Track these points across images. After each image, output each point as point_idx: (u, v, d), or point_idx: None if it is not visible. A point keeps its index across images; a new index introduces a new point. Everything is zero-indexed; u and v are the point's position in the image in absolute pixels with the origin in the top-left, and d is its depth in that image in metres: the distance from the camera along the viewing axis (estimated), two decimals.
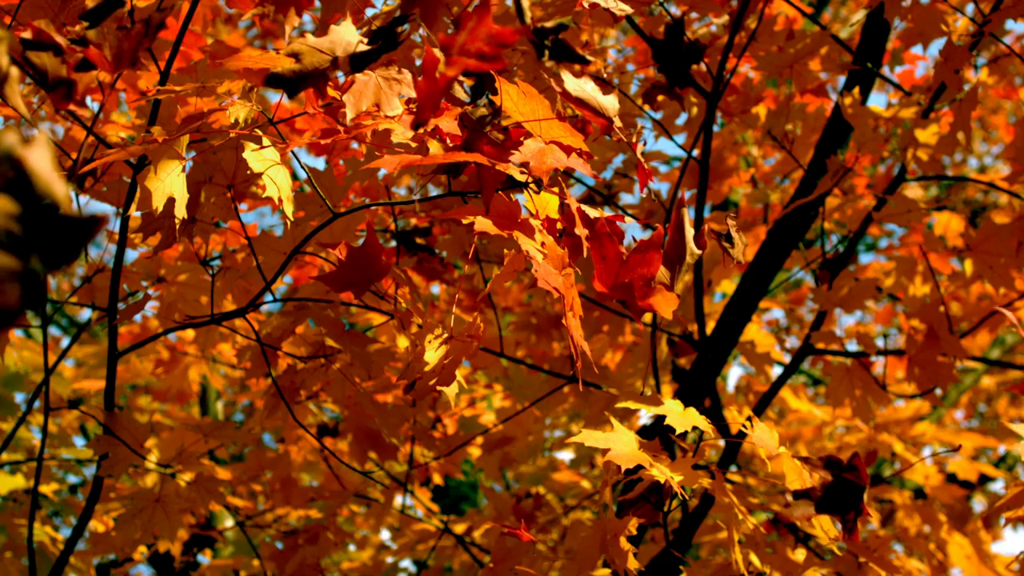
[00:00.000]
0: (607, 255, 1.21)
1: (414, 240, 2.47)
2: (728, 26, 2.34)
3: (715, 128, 3.03)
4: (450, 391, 1.26)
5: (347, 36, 1.14)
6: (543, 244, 1.14)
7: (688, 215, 1.26)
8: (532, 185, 1.21)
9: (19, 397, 3.73)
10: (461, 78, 1.45)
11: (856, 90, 2.34)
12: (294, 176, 3.73)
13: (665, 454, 1.28)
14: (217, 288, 2.10)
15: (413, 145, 1.21)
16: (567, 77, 1.19)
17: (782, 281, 2.71)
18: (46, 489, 3.10)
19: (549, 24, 1.11)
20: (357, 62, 1.14)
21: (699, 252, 1.24)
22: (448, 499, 6.12)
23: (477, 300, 2.62)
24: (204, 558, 3.62)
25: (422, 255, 2.48)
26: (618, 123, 1.25)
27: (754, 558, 1.57)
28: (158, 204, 1.30)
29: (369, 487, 3.22)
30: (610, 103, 1.25)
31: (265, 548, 2.70)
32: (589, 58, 1.15)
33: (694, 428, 1.24)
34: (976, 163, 6.97)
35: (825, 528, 1.30)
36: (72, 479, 5.34)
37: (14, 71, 0.94)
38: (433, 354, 1.22)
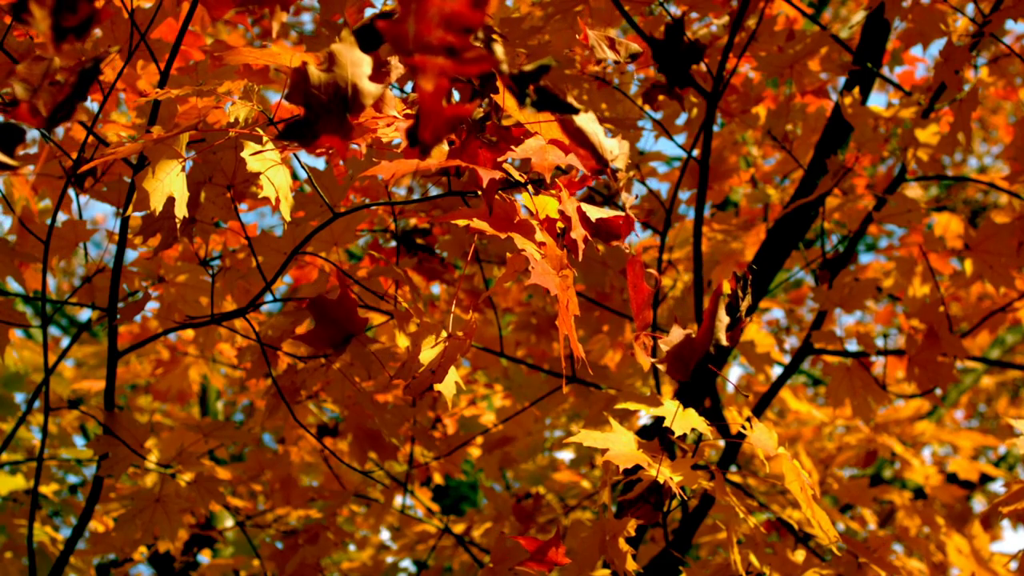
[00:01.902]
0: (638, 284, 1.18)
1: (414, 240, 2.47)
2: (728, 26, 2.34)
3: (715, 128, 3.03)
4: (447, 391, 1.26)
5: (353, 70, 1.00)
6: (542, 244, 1.14)
7: (724, 306, 1.18)
8: (530, 186, 1.21)
9: (19, 397, 3.73)
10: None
11: (856, 90, 2.34)
12: (294, 176, 3.73)
13: (665, 454, 1.27)
14: (217, 288, 2.10)
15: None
16: (571, 104, 1.09)
17: (782, 281, 2.71)
18: (46, 489, 3.10)
19: (528, 68, 0.98)
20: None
21: (728, 345, 1.17)
22: (448, 499, 6.12)
23: (479, 301, 2.62)
24: (204, 558, 3.62)
25: (422, 255, 2.48)
26: (620, 165, 1.15)
27: (753, 559, 1.57)
28: (156, 205, 1.30)
29: (369, 487, 3.22)
30: (612, 146, 1.15)
31: (265, 548, 2.70)
32: (578, 106, 1.04)
33: (693, 429, 1.24)
34: (976, 163, 6.97)
35: (825, 528, 1.30)
36: (72, 479, 5.34)
37: None
38: (428, 352, 1.22)
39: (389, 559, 3.80)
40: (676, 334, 1.22)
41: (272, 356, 2.13)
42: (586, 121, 1.12)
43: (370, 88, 1.00)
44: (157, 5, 1.71)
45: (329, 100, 0.98)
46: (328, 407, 2.87)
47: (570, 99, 1.07)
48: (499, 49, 0.93)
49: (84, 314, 6.20)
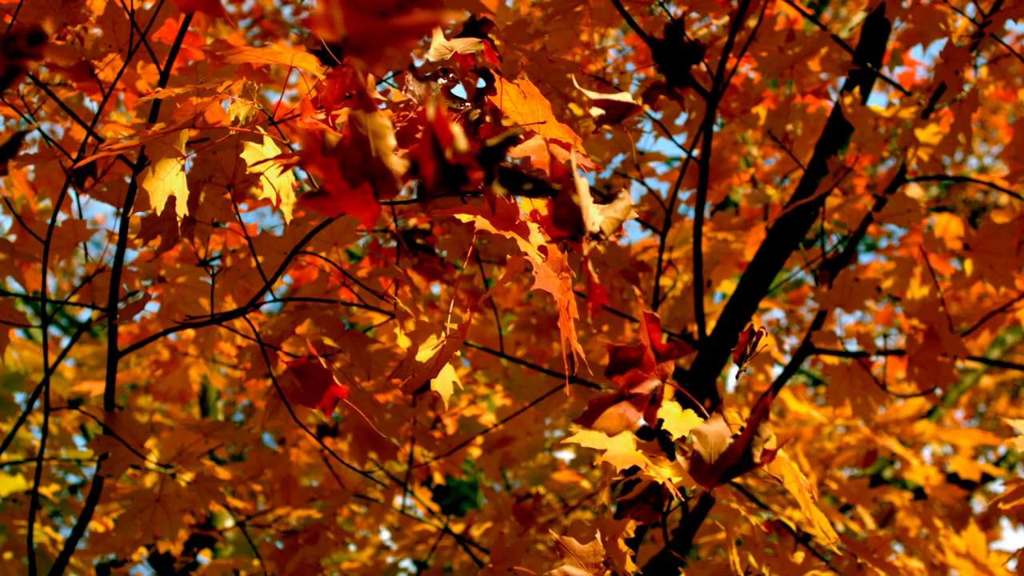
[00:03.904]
0: (654, 340, 1.13)
1: (414, 240, 2.47)
2: (728, 26, 2.34)
3: (715, 128, 3.03)
4: (444, 390, 1.26)
5: (376, 142, 0.84)
6: (543, 247, 1.13)
7: (765, 423, 1.06)
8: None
9: (19, 397, 3.73)
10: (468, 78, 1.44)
11: (856, 90, 2.34)
12: (295, 175, 3.72)
13: (664, 455, 1.27)
14: (217, 288, 2.10)
15: None
16: (575, 157, 0.99)
17: (782, 281, 2.70)
18: (46, 490, 3.11)
19: (493, 141, 0.86)
20: None
21: (759, 464, 1.06)
22: (448, 499, 6.12)
23: (479, 302, 2.62)
24: (204, 558, 3.62)
25: (422, 255, 2.48)
26: (607, 229, 1.01)
27: (752, 559, 1.57)
28: (157, 204, 1.30)
29: (369, 487, 3.22)
30: (594, 217, 1.01)
31: (265, 548, 2.70)
32: (556, 187, 0.92)
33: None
34: (976, 163, 6.97)
35: (824, 529, 1.30)
36: (72, 479, 5.34)
37: None
38: (425, 351, 1.22)
39: (389, 559, 3.81)
40: (715, 433, 1.08)
41: (272, 356, 2.13)
42: (584, 182, 1.01)
43: (399, 168, 0.86)
44: (157, 5, 1.71)
45: (353, 177, 0.84)
46: None
47: (573, 156, 0.97)
48: (456, 129, 0.83)
49: (84, 314, 6.20)
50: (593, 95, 1.26)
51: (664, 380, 1.11)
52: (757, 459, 1.05)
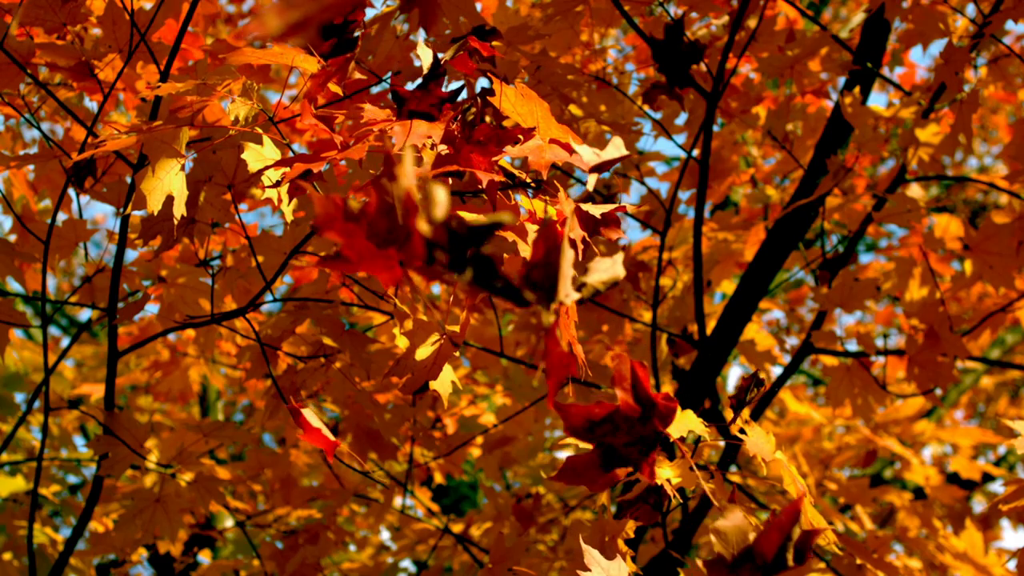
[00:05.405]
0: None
1: None
2: (728, 26, 2.34)
3: (715, 128, 3.03)
4: (443, 389, 1.26)
5: (403, 207, 0.72)
6: None
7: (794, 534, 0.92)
8: (532, 182, 1.21)
9: (19, 397, 3.74)
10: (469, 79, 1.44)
11: (856, 90, 2.34)
12: None
13: (664, 455, 1.27)
14: (217, 288, 2.10)
15: None
16: (570, 224, 0.80)
17: (782, 281, 2.70)
18: (46, 490, 3.11)
19: (477, 222, 0.70)
20: None
21: (792, 570, 0.91)
22: (448, 499, 6.12)
23: (479, 302, 2.61)
24: (204, 558, 3.62)
25: None
26: (584, 294, 0.82)
27: None
28: (155, 205, 1.30)
29: (369, 487, 3.22)
30: (568, 289, 0.80)
31: (265, 548, 2.70)
32: (529, 297, 0.76)
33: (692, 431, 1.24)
34: (976, 163, 6.97)
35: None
36: (72, 479, 5.34)
37: None
38: (423, 350, 1.22)
39: (389, 559, 3.81)
40: (736, 529, 0.94)
41: (272, 356, 2.13)
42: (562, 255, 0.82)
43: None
44: (157, 5, 1.71)
45: (379, 244, 0.73)
46: (328, 407, 2.87)
47: (569, 224, 0.80)
48: (440, 195, 0.73)
49: (84, 314, 6.20)
50: (588, 155, 1.22)
51: (660, 434, 0.96)
52: (791, 563, 0.91)
